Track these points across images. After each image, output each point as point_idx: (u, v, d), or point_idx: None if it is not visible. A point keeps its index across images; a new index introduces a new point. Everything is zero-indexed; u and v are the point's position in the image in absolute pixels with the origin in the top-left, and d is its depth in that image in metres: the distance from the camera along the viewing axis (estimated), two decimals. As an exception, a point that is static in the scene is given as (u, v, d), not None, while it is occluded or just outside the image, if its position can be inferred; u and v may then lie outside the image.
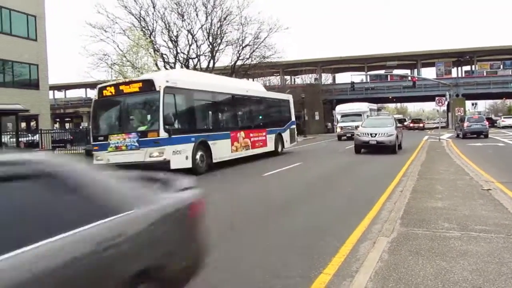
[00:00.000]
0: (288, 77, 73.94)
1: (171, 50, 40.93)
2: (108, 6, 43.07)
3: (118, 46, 35.58)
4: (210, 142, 16.25)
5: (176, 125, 14.60)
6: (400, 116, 78.37)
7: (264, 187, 12.83)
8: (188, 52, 41.02)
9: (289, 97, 27.01)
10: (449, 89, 47.75)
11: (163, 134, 13.96)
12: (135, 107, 15.51)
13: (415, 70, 68.37)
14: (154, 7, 38.82)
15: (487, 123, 36.08)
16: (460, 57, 65.04)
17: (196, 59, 41.59)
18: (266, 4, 69.92)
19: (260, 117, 22.11)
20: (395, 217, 7.39)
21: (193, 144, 15.16)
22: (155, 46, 37.67)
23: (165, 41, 40.67)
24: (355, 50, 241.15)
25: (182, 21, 39.90)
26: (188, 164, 14.77)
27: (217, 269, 5.38)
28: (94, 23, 35.77)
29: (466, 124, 34.06)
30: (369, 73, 67.64)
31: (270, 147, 21.89)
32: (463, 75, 67.59)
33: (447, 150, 21.65)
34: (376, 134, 21.46)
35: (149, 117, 15.10)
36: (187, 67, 40.12)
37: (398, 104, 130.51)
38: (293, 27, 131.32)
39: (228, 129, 18.39)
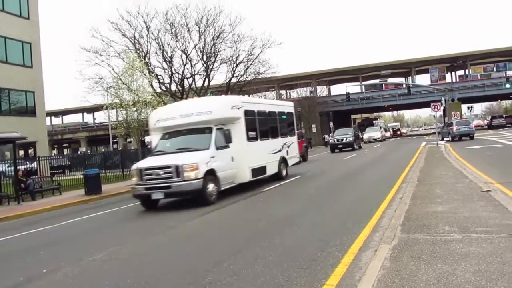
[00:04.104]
0: (283, 92, 74.23)
1: (166, 71, 41.12)
2: (103, 30, 43.43)
3: (113, 69, 35.74)
4: None
5: None
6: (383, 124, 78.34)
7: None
8: (183, 72, 41.21)
9: None
10: (444, 94, 48.00)
11: None
12: None
13: (410, 78, 68.72)
14: (148, 29, 39.11)
15: (473, 125, 39.82)
16: (453, 62, 65.45)
17: (191, 79, 41.77)
18: (258, 20, 70.53)
19: None
20: (396, 224, 7.38)
21: None
22: (150, 67, 37.83)
23: (159, 62, 40.89)
24: (349, 61, 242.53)
25: (176, 41, 40.16)
26: None
27: (218, 286, 5.38)
28: (88, 47, 36.06)
29: (455, 127, 36.56)
30: (363, 83, 68.00)
31: None
32: (458, 80, 67.95)
33: (446, 154, 21.66)
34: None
35: None
36: (182, 86, 40.29)
37: (395, 112, 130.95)
38: (286, 42, 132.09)
39: None
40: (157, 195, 12.56)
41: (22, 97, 32.24)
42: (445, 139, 37.12)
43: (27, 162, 24.89)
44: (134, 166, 13.62)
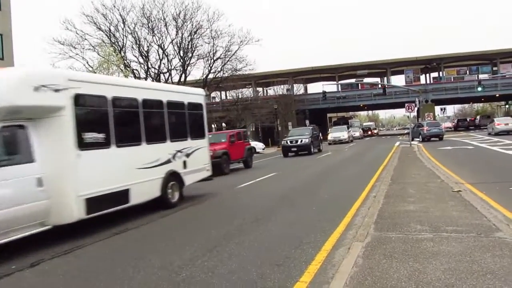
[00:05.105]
0: (260, 89, 74.23)
1: (142, 65, 40.74)
2: (77, 23, 42.62)
3: (87, 62, 35.25)
4: None
5: None
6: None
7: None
8: (159, 66, 40.89)
9: None
10: (419, 96, 48.69)
11: None
12: None
13: (385, 78, 69.50)
14: (124, 23, 38.62)
15: (443, 127, 42.05)
16: (428, 64, 66.51)
17: (168, 74, 41.47)
18: (236, 16, 70.37)
19: None
20: (369, 222, 7.48)
21: None
22: (125, 61, 37.40)
23: (135, 56, 40.49)
24: (326, 60, 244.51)
25: (153, 36, 39.83)
26: None
27: (192, 283, 5.36)
28: (62, 40, 35.44)
29: (426, 128, 37.74)
30: (340, 82, 68.46)
31: None
32: (432, 82, 69.09)
33: (419, 155, 22.04)
34: None
35: None
36: (159, 81, 39.99)
37: (370, 112, 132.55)
38: (264, 39, 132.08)
39: None
40: None
41: (-7, 89, 31.44)
42: (415, 139, 37.70)
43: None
44: None
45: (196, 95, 14.12)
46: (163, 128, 11.81)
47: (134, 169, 10.28)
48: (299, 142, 30.77)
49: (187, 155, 12.53)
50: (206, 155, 13.96)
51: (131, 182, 9.97)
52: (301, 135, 31.82)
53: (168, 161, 11.60)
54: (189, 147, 12.75)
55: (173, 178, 11.72)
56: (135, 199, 10.10)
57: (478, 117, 77.82)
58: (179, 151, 12.14)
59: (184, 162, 12.30)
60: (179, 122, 12.77)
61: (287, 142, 31.54)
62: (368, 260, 5.42)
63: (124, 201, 9.83)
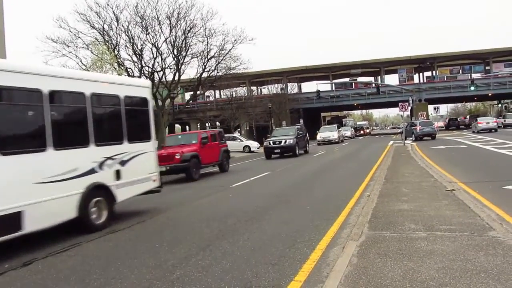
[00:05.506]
0: (254, 88, 74.26)
1: (136, 64, 40.56)
2: (70, 21, 42.50)
3: (81, 61, 35.08)
4: None
5: None
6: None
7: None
8: (153, 65, 40.73)
9: None
10: (412, 95, 48.91)
11: None
12: None
13: (379, 77, 69.78)
14: (117, 21, 38.43)
15: (435, 126, 42.90)
16: (421, 63, 66.83)
17: (161, 72, 41.35)
18: (230, 15, 70.31)
19: None
20: (363, 221, 7.50)
21: None
22: (119, 60, 37.21)
23: (129, 55, 40.28)
24: (320, 59, 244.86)
25: (146, 34, 39.64)
26: None
27: (186, 282, 5.34)
28: (55, 38, 35.24)
29: (418, 128, 38.28)
30: (334, 81, 68.64)
31: None
32: (425, 81, 69.45)
33: (412, 154, 22.11)
34: None
35: None
36: (152, 80, 39.90)
37: (364, 111, 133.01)
38: (257, 38, 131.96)
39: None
40: None
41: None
42: (408, 138, 37.80)
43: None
44: None
45: (138, 88, 11.28)
46: (84, 128, 9.08)
47: (32, 184, 7.62)
48: (283, 143, 28.35)
49: (122, 163, 9.89)
50: (152, 161, 11.20)
51: (25, 202, 7.36)
52: (285, 135, 29.47)
53: (92, 171, 8.99)
54: (126, 152, 10.07)
55: (99, 193, 9.14)
56: (33, 224, 7.50)
57: (468, 116, 79.58)
58: (109, 158, 9.53)
59: (117, 172, 9.69)
60: (110, 120, 10.23)
61: (269, 143, 29.07)
62: (363, 259, 5.43)
63: (14, 228, 7.18)
